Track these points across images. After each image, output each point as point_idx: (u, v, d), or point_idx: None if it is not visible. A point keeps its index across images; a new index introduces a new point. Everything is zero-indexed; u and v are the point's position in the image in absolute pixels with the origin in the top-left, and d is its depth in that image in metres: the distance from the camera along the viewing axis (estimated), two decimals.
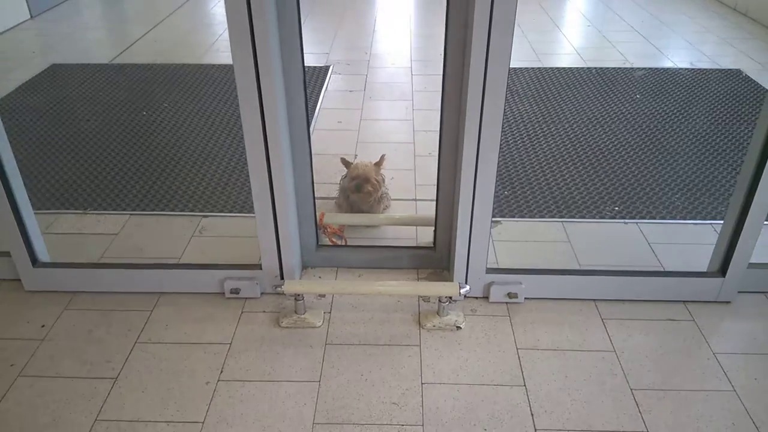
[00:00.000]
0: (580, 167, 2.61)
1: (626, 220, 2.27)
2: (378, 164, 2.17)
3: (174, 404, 1.57)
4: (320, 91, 3.43)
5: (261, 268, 1.89)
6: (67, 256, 2.07)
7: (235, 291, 1.90)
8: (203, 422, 1.52)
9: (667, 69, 3.72)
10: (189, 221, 2.30)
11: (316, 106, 3.25)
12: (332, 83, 3.60)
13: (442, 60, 1.66)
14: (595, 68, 3.71)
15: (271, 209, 1.78)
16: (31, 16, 4.72)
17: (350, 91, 3.50)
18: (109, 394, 1.60)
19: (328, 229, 2.12)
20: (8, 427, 1.51)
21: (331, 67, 3.80)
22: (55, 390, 1.61)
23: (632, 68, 3.71)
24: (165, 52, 4.11)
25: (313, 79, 3.58)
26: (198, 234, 2.22)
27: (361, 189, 2.13)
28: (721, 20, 4.69)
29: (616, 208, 2.34)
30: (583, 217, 2.29)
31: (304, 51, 1.68)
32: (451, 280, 1.90)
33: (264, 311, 1.86)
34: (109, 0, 5.40)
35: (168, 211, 2.35)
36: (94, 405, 1.57)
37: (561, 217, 2.29)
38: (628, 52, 4.04)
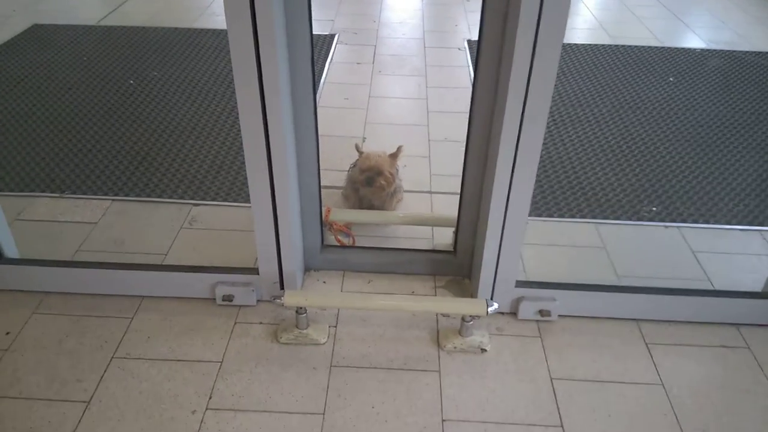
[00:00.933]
0: (611, 157, 2.37)
1: (666, 224, 2.04)
2: (393, 156, 1.92)
3: None
4: (324, 63, 3.16)
5: (258, 273, 1.66)
6: (38, 249, 1.84)
7: (228, 298, 1.66)
8: None
9: (703, 50, 3.43)
10: (178, 210, 2.05)
11: (320, 80, 2.98)
12: (338, 54, 3.32)
13: (479, 28, 1.40)
14: (623, 46, 3.43)
15: (270, 207, 1.53)
16: None
17: (357, 63, 3.22)
18: (79, 422, 1.37)
19: (334, 226, 1.88)
20: None
21: (336, 36, 3.51)
22: (17, 414, 1.39)
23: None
24: (157, 14, 3.80)
25: (316, 49, 3.29)
26: (188, 225, 1.98)
27: (373, 183, 1.88)
28: None
29: (654, 209, 2.10)
30: (618, 218, 2.06)
31: None
32: (473, 291, 1.68)
33: (261, 322, 1.64)
34: None
35: (155, 198, 2.10)
36: None
37: (593, 217, 2.06)
38: (656, 29, 3.75)
